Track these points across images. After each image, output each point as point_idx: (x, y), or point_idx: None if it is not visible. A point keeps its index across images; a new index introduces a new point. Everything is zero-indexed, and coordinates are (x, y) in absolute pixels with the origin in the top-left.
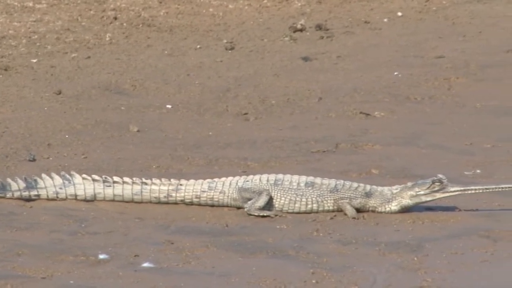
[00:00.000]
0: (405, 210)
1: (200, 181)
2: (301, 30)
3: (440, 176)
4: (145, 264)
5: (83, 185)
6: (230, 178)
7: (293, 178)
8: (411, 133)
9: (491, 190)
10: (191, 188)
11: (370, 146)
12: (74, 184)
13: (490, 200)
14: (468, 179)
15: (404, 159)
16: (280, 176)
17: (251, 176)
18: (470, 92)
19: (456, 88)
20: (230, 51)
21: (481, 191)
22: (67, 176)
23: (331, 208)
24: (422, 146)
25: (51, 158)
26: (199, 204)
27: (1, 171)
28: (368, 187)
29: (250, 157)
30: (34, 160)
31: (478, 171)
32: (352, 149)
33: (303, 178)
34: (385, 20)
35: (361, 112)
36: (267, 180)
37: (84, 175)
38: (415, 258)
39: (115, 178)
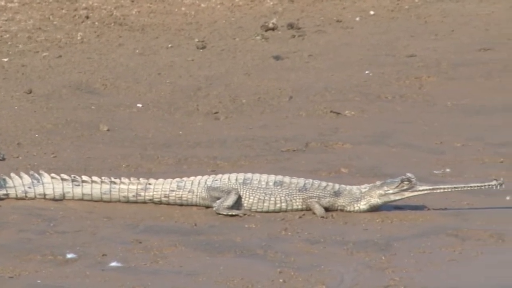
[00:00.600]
0: (374, 209)
1: (169, 180)
2: (273, 29)
3: (409, 175)
4: (113, 264)
5: (52, 184)
6: (199, 177)
7: (262, 177)
8: (381, 132)
9: (460, 189)
10: (160, 187)
11: (340, 145)
12: (43, 183)
13: (459, 199)
14: (437, 178)
15: (374, 158)
16: (249, 175)
17: (220, 175)
18: (441, 90)
19: (427, 87)
20: (201, 50)
21: (449, 190)
22: (36, 175)
23: (300, 207)
24: (392, 145)
25: (20, 157)
26: (168, 203)
27: None
28: (337, 186)
29: (220, 156)
30: (3, 159)
31: (448, 170)
32: (322, 148)
33: (272, 177)
34: (357, 19)
35: (331, 111)
36: (236, 179)
37: (53, 174)
38: (383, 257)
39: (84, 177)
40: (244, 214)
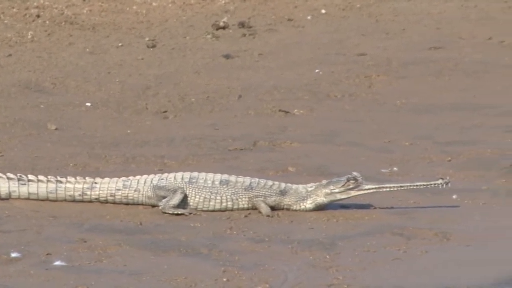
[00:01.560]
0: (320, 208)
1: (115, 179)
2: (223, 28)
3: (355, 174)
4: (57, 263)
5: None
6: (145, 176)
7: (208, 176)
8: (330, 131)
9: (406, 187)
10: (106, 186)
11: (288, 144)
12: None
13: (405, 198)
14: (385, 176)
15: (321, 157)
16: (195, 174)
17: (166, 174)
18: (391, 89)
19: (377, 86)
20: (151, 49)
21: (396, 188)
22: None
23: (245, 206)
24: (340, 144)
25: None
26: (114, 202)
27: None
28: (283, 185)
29: (168, 155)
30: None
31: (395, 168)
32: (270, 147)
33: (218, 176)
34: (309, 17)
35: (280, 110)
36: (182, 178)
37: None
38: (327, 256)
39: (30, 177)
40: (190, 213)
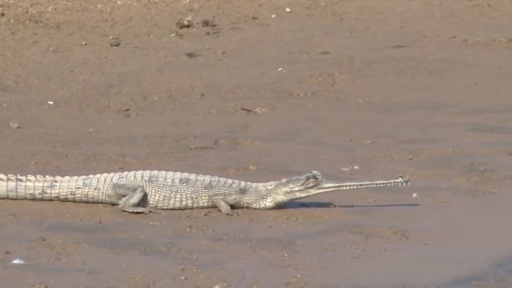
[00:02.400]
0: (280, 206)
1: (75, 177)
2: (188, 26)
3: (315, 172)
4: (16, 261)
5: None
6: (105, 174)
7: (167, 174)
8: (292, 129)
9: (365, 186)
10: (66, 185)
11: (250, 142)
12: None
13: (365, 196)
14: (345, 175)
15: (283, 155)
16: (155, 172)
17: (126, 173)
18: (354, 87)
19: (340, 84)
20: (115, 48)
21: (355, 187)
22: None
23: (206, 204)
24: (301, 142)
25: None
26: (74, 201)
27: None
28: (243, 183)
29: (129, 153)
30: None
31: (356, 167)
32: (231, 146)
33: (178, 175)
34: (273, 16)
35: (242, 108)
36: (142, 177)
37: None
38: (286, 255)
39: None
40: (150, 212)
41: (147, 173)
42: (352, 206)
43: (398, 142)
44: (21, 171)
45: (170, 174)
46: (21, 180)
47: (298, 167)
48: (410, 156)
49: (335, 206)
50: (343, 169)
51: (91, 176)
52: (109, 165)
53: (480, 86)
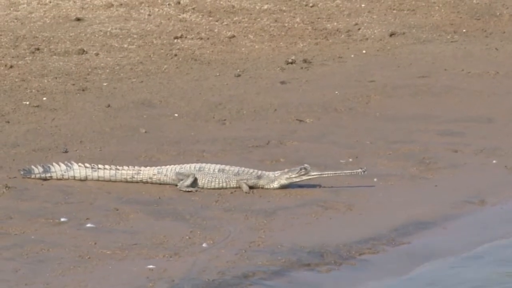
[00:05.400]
0: (283, 187)
1: (153, 167)
2: (291, 63)
3: (306, 165)
4: (88, 225)
5: None
6: (172, 165)
7: (211, 166)
8: (322, 134)
9: (338, 174)
10: (147, 173)
11: (291, 142)
12: None
13: (344, 180)
14: (340, 165)
15: (306, 151)
16: (203, 164)
17: (185, 165)
18: (379, 105)
19: (372, 103)
20: (237, 77)
21: (332, 175)
22: None
23: (234, 186)
24: (323, 142)
25: None
26: (152, 183)
27: None
28: (260, 172)
29: (207, 150)
30: None
31: (351, 160)
32: (277, 145)
33: (218, 166)
34: (352, 55)
35: (296, 119)
36: (194, 167)
37: None
38: (265, 221)
39: None
40: (196, 190)
41: (198, 165)
42: (331, 186)
43: (387, 143)
44: (133, 163)
45: (213, 165)
46: (118, 169)
47: (312, 160)
48: (390, 152)
49: (320, 187)
50: (341, 161)
51: (163, 166)
52: (191, 158)
53: (461, 104)
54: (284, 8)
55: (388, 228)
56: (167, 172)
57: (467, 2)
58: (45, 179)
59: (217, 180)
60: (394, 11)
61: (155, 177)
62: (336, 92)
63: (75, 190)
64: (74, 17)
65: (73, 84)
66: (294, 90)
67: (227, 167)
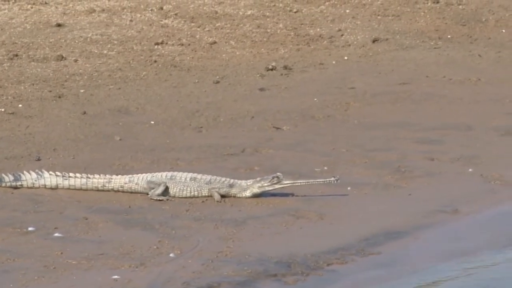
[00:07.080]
0: (256, 196)
1: (124, 176)
2: (272, 69)
3: (278, 173)
4: (56, 234)
5: None
6: (143, 174)
7: (182, 174)
8: (298, 142)
9: (311, 183)
10: (118, 181)
11: (267, 150)
12: None
13: (317, 189)
14: (315, 174)
15: (281, 159)
16: (175, 173)
17: (156, 173)
18: (358, 112)
19: (351, 110)
20: (215, 84)
21: (304, 183)
22: None
23: (206, 194)
24: (299, 151)
25: None
26: (123, 192)
27: None
28: (231, 180)
29: (181, 158)
30: None
31: (326, 168)
32: (253, 153)
33: (189, 175)
34: (334, 62)
35: (273, 126)
36: (166, 176)
37: None
38: (234, 231)
39: None
40: (167, 199)
41: (169, 173)
42: (304, 195)
43: (364, 151)
44: (106, 171)
45: (185, 174)
46: (89, 178)
47: (286, 168)
48: (366, 160)
49: (293, 196)
50: (316, 169)
51: (134, 175)
52: (165, 166)
53: (441, 111)
54: (267, 13)
55: (358, 238)
56: (139, 180)
57: (453, 8)
58: (15, 188)
59: (188, 189)
60: (379, 17)
61: (126, 185)
62: (315, 99)
63: (45, 199)
64: (55, 23)
65: (50, 91)
66: (273, 97)
67: (199, 176)
